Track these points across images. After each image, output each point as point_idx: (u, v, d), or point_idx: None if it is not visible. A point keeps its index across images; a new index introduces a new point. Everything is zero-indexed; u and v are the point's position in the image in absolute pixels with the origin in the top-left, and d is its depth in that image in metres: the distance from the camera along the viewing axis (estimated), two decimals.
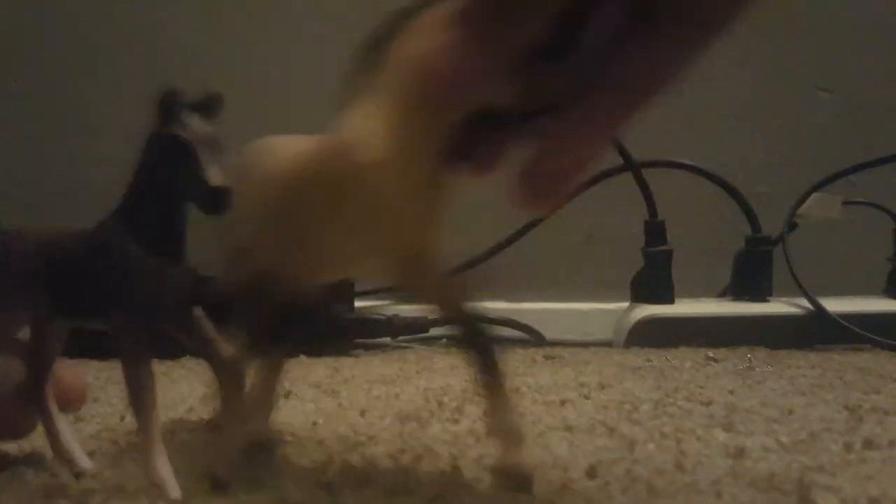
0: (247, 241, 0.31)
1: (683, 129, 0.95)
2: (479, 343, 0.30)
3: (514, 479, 0.29)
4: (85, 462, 0.33)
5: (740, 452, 0.35)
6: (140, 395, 0.29)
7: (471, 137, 0.27)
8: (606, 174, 0.84)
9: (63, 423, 0.34)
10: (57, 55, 0.97)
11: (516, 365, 0.64)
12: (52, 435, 0.34)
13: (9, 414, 0.34)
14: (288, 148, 0.31)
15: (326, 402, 0.50)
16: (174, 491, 0.28)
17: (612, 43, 0.25)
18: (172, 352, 0.60)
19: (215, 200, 0.27)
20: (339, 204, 0.28)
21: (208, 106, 0.28)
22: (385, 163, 0.27)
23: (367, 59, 0.28)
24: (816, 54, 0.98)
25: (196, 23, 0.97)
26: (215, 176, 0.27)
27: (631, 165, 0.81)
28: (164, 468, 0.29)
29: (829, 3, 0.97)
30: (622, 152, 0.81)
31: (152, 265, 0.28)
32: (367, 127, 0.27)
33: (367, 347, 0.78)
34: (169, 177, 0.28)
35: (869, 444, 0.36)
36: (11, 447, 0.37)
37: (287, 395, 0.51)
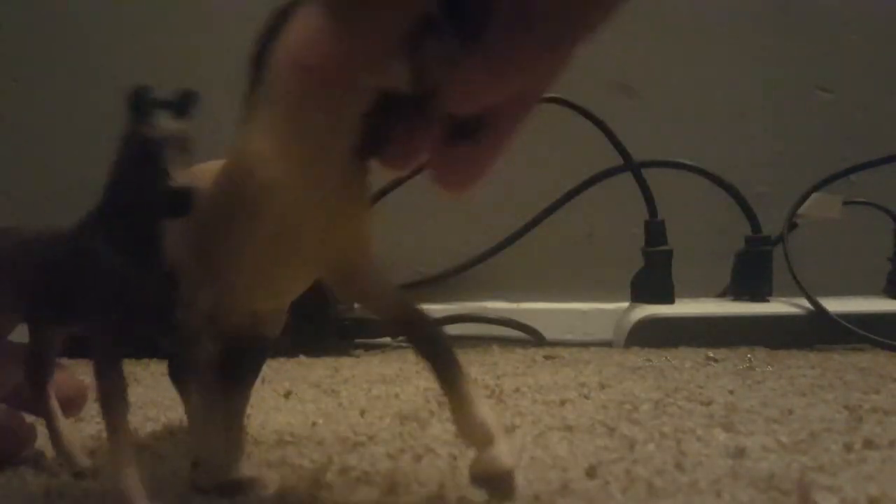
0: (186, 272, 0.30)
1: (683, 129, 0.95)
2: (434, 345, 0.28)
3: (492, 483, 0.28)
4: (84, 462, 0.33)
5: (740, 452, 0.35)
6: (110, 400, 0.28)
7: (378, 129, 0.26)
8: (606, 174, 0.84)
9: (63, 423, 0.34)
10: (57, 55, 0.97)
11: (516, 365, 0.64)
12: (55, 434, 0.33)
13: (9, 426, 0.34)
14: (206, 174, 0.29)
15: (326, 402, 0.50)
16: (140, 500, 0.27)
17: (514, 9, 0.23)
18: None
19: (175, 202, 0.26)
20: (250, 230, 0.26)
21: (182, 104, 0.27)
22: (284, 178, 0.25)
23: (254, 68, 0.26)
24: (816, 54, 0.98)
25: (197, 23, 0.97)
26: (178, 177, 0.26)
27: (631, 165, 0.81)
28: (130, 476, 0.27)
29: (829, 3, 0.97)
30: (622, 152, 0.81)
31: (124, 266, 0.28)
32: (260, 144, 0.25)
33: (367, 347, 0.78)
34: (136, 176, 0.27)
35: (869, 444, 0.36)
36: None
37: (287, 395, 0.51)
